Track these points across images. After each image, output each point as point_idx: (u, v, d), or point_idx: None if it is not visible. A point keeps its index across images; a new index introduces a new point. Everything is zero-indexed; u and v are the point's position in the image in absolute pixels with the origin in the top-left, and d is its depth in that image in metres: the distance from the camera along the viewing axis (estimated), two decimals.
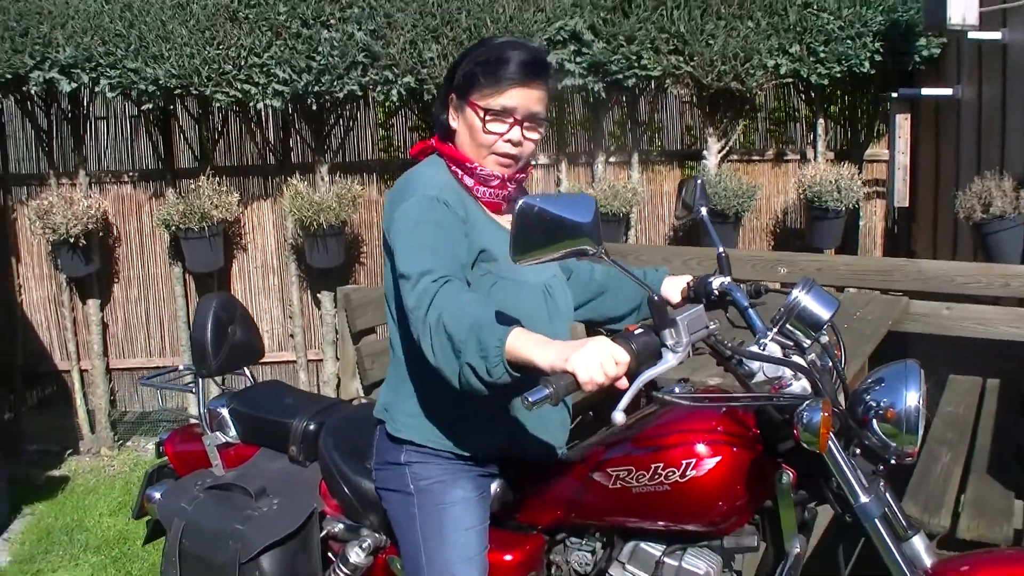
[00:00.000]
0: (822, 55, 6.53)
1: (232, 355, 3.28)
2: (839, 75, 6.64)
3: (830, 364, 2.44)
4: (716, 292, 2.57)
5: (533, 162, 6.83)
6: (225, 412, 3.25)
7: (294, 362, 7.01)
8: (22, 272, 6.99)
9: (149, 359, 7.09)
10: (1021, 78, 5.86)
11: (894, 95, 6.74)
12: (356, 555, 2.80)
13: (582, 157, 7.15)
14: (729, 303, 2.56)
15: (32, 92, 6.48)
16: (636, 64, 6.44)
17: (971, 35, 5.96)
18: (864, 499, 2.25)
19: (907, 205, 7.00)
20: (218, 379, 3.56)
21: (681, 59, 6.48)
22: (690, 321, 2.16)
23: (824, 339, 2.42)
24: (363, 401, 3.44)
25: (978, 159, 6.29)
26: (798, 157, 7.26)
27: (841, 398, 2.39)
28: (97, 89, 6.40)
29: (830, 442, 2.21)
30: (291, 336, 7.01)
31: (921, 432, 2.28)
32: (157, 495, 3.22)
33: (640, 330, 2.14)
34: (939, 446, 4.41)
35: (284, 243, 6.99)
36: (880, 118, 7.15)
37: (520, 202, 2.04)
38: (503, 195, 2.49)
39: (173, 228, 6.47)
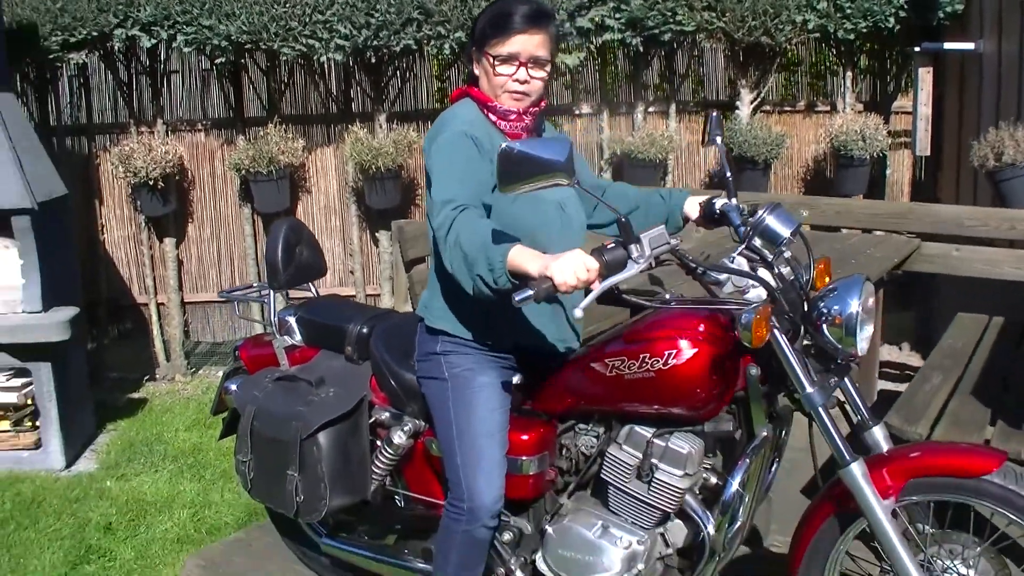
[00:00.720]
0: (848, 11, 6.85)
1: (299, 272, 3.72)
2: (865, 30, 6.94)
3: (794, 277, 2.87)
4: (718, 211, 3.02)
5: (576, 111, 7.29)
6: (292, 319, 3.70)
7: (353, 296, 7.42)
8: (104, 213, 7.48)
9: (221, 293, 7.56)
10: None
11: (917, 49, 7.00)
12: (399, 437, 3.29)
13: (623, 107, 7.52)
14: (723, 221, 3.02)
15: (115, 48, 6.95)
16: (671, 20, 6.81)
17: None
18: (809, 389, 2.69)
19: (929, 154, 7.26)
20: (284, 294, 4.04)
21: (714, 15, 6.85)
22: (652, 238, 2.64)
23: (787, 254, 2.86)
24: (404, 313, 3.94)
25: (997, 110, 6.48)
26: (828, 108, 7.58)
27: (802, 307, 2.81)
28: (174, 45, 6.88)
29: (777, 337, 2.67)
30: (351, 272, 7.46)
31: (863, 337, 2.71)
32: (233, 387, 3.70)
33: (612, 244, 2.63)
34: (932, 371, 4.68)
35: (345, 186, 7.43)
36: (907, 71, 7.41)
37: (501, 146, 2.53)
38: (521, 126, 2.97)
39: (243, 172, 6.95)
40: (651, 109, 7.48)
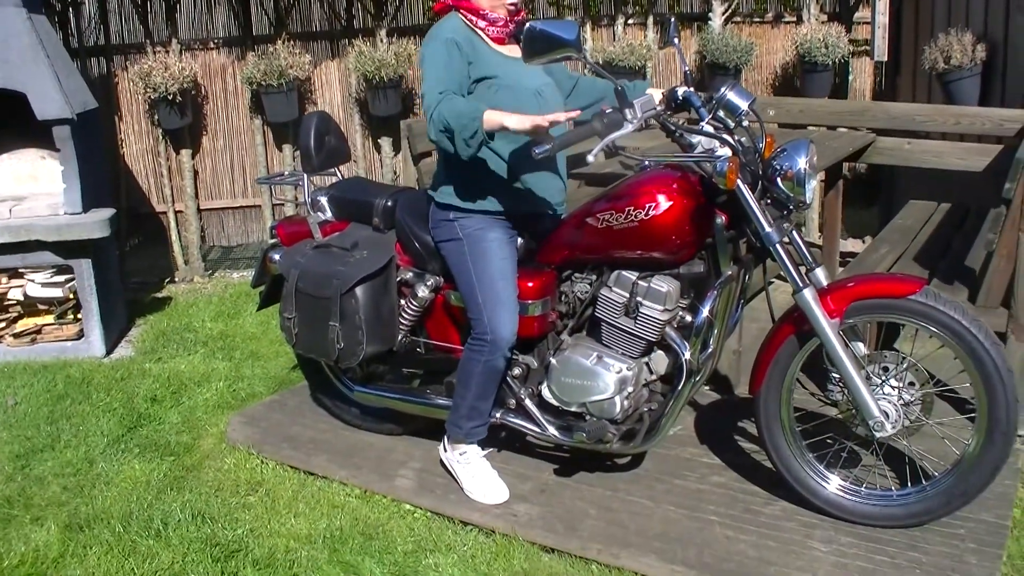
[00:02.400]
0: None
1: (328, 157, 4.22)
2: None
3: (752, 143, 3.47)
4: (680, 97, 3.56)
5: None
6: (324, 199, 4.23)
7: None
8: (123, 128, 7.88)
9: (234, 199, 8.07)
10: None
11: None
12: (422, 291, 3.89)
13: (604, 19, 8.00)
14: (688, 105, 3.56)
15: None
16: None
17: None
18: (768, 229, 3.31)
19: (887, 59, 7.72)
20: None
21: None
22: (642, 103, 3.28)
23: (746, 124, 3.45)
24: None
25: (948, 17, 6.97)
26: (795, 19, 8.06)
27: (759, 166, 3.42)
28: None
29: (740, 186, 3.27)
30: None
31: (810, 187, 3.33)
32: (277, 256, 4.17)
33: (610, 110, 3.25)
34: (881, 244, 5.24)
35: (348, 97, 7.88)
36: None
37: (527, 25, 3.13)
38: (506, 32, 3.58)
39: (255, 85, 7.40)
40: (630, 21, 7.95)
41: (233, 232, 8.20)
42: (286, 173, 4.65)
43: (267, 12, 7.89)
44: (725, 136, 3.35)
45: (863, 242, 7.80)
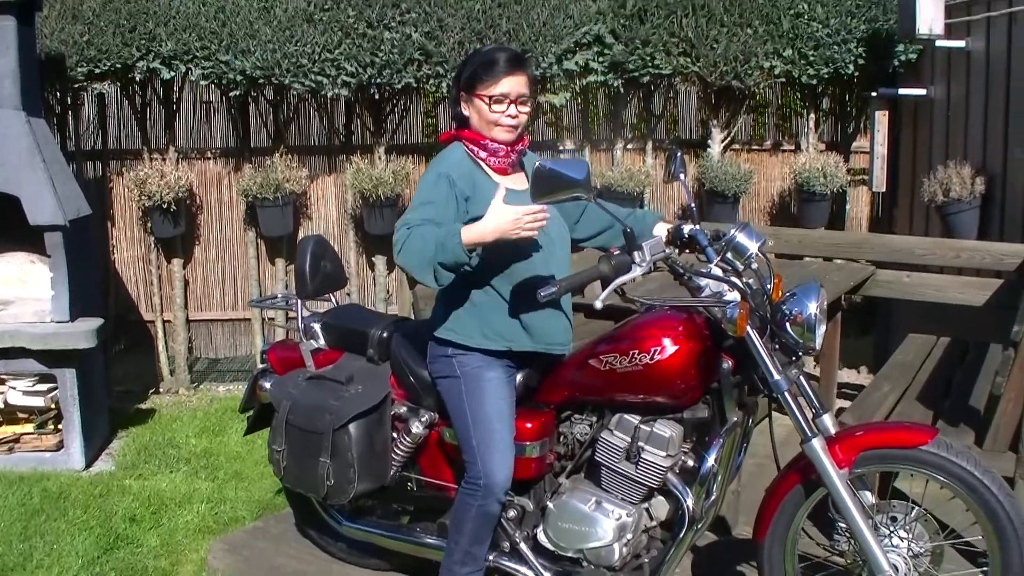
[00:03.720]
0: (811, 58, 7.37)
1: (324, 283, 4.15)
2: (827, 76, 7.47)
3: (760, 286, 3.39)
4: (686, 235, 3.48)
5: (561, 148, 7.77)
6: (317, 326, 4.11)
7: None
8: (115, 234, 7.78)
9: (224, 311, 7.92)
10: (981, 80, 6.65)
11: (874, 94, 7.50)
12: (416, 427, 3.74)
13: (603, 144, 7.99)
14: (692, 243, 3.48)
15: (135, 79, 7.32)
16: (650, 64, 7.32)
17: (939, 43, 6.75)
18: (776, 376, 3.21)
19: (884, 190, 7.75)
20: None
21: (689, 60, 7.36)
22: (651, 246, 3.21)
23: (755, 266, 3.37)
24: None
25: (946, 150, 7.01)
26: (793, 147, 8.08)
27: (767, 309, 3.34)
28: (192, 78, 7.27)
29: (749, 333, 3.18)
30: (348, 295, 7.73)
31: (819, 333, 3.25)
32: (267, 385, 4.06)
33: (618, 252, 3.18)
34: (883, 381, 5.13)
35: (344, 213, 7.80)
36: (865, 114, 7.91)
37: (536, 163, 3.07)
38: (508, 162, 3.49)
39: (250, 197, 7.33)
40: (629, 146, 7.93)
41: (221, 344, 8.06)
42: (279, 296, 4.57)
43: (266, 124, 7.86)
44: (734, 280, 3.27)
45: (858, 372, 7.73)
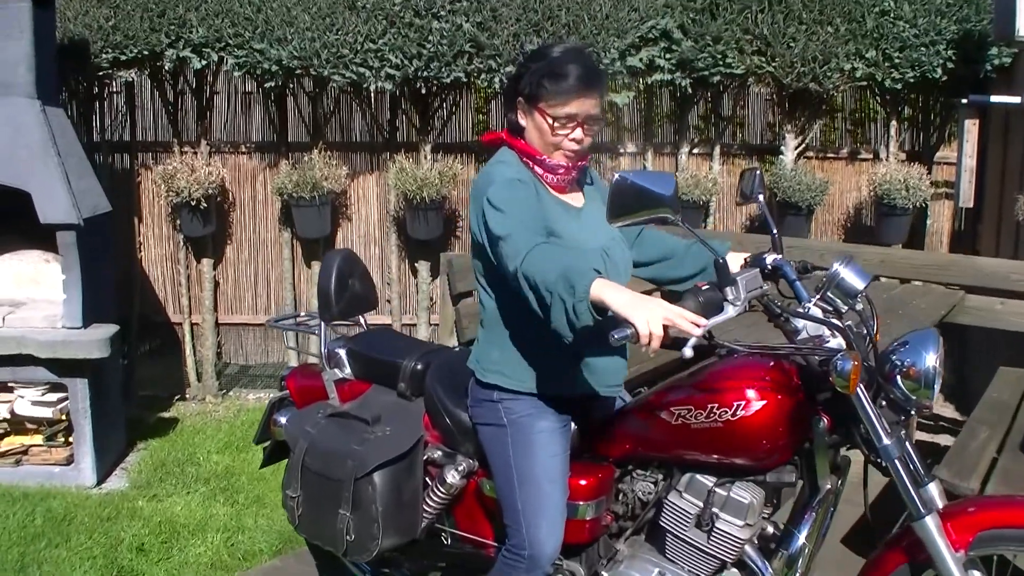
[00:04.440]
0: (897, 60, 6.85)
1: (351, 304, 3.68)
2: (912, 80, 6.94)
3: (864, 330, 2.88)
4: (769, 266, 2.96)
5: (620, 149, 7.31)
6: (343, 352, 3.65)
7: (389, 325, 7.35)
8: (143, 231, 7.52)
9: (255, 316, 7.60)
10: None
11: (964, 101, 6.98)
12: (452, 477, 3.23)
13: (667, 147, 7.53)
14: (780, 276, 2.98)
15: (164, 68, 7.02)
16: (721, 63, 6.85)
17: None
18: (886, 441, 2.68)
19: (972, 206, 7.22)
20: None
21: (763, 59, 6.88)
22: (747, 281, 2.67)
23: (859, 307, 2.86)
24: (460, 348, 3.91)
25: None
26: (871, 156, 7.58)
27: (872, 358, 2.82)
28: (225, 68, 6.95)
29: (858, 390, 2.65)
30: (388, 301, 7.44)
31: (937, 388, 2.73)
32: (283, 420, 3.64)
33: (707, 286, 2.64)
34: (979, 425, 4.65)
35: (386, 215, 7.43)
36: (951, 122, 7.41)
37: (616, 175, 2.54)
38: (568, 180, 2.98)
39: (286, 196, 6.97)
40: (695, 151, 7.48)
41: (252, 350, 7.75)
42: (302, 315, 4.11)
43: (304, 118, 7.49)
44: (839, 323, 2.75)
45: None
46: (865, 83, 7.14)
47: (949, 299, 5.59)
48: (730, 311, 2.63)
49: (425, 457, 3.35)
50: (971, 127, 6.99)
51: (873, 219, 7.40)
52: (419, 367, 3.44)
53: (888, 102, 7.39)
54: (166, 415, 6.98)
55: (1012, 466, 4.21)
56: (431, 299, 7.37)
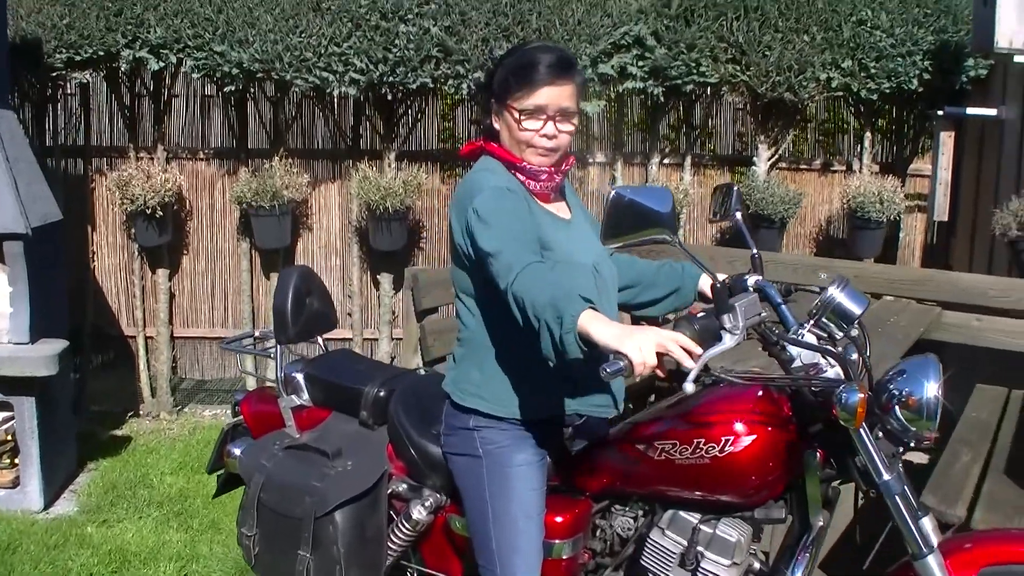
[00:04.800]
0: (873, 71, 6.73)
1: (309, 324, 3.47)
2: (888, 91, 6.84)
3: (856, 356, 2.70)
4: (751, 289, 2.77)
5: (588, 159, 7.15)
6: (300, 377, 3.44)
7: (350, 340, 7.23)
8: (96, 240, 7.26)
9: (212, 329, 7.37)
10: None
11: (940, 113, 6.90)
12: (419, 513, 3.03)
13: (637, 157, 7.36)
14: (762, 300, 2.80)
15: (120, 69, 6.78)
16: (695, 71, 6.69)
17: (1017, 59, 6.09)
18: (887, 476, 2.53)
19: (947, 219, 7.14)
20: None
21: (738, 68, 6.73)
22: (746, 307, 2.48)
23: (854, 332, 2.69)
24: (426, 371, 3.71)
25: (1018, 178, 6.38)
26: (844, 168, 7.47)
27: (866, 386, 2.64)
28: (184, 70, 6.73)
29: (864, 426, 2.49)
30: (349, 315, 7.24)
31: (938, 419, 2.56)
32: (237, 451, 3.44)
33: (702, 313, 2.46)
34: (961, 446, 4.55)
35: (348, 225, 7.23)
36: (926, 134, 7.34)
37: (612, 191, 2.36)
38: (552, 186, 2.76)
39: (245, 205, 6.75)
40: (666, 161, 7.33)
41: (208, 365, 7.51)
42: (256, 335, 3.89)
43: (265, 124, 7.28)
44: (834, 350, 2.60)
45: None
46: (841, 93, 7.02)
47: (926, 315, 5.49)
48: (728, 341, 2.44)
49: (389, 491, 3.16)
50: (947, 139, 6.92)
51: (846, 231, 7.29)
52: (382, 394, 3.25)
53: (863, 113, 7.28)
54: (119, 432, 6.73)
55: (998, 491, 4.12)
56: (393, 312, 7.19)
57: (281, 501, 3.15)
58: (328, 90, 6.64)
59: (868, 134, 7.28)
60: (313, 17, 6.50)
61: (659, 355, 2.24)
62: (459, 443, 2.86)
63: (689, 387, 2.30)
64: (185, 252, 7.33)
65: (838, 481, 2.79)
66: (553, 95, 2.64)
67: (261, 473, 3.23)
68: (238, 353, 4.10)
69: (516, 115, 2.64)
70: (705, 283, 2.91)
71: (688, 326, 2.41)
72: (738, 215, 2.94)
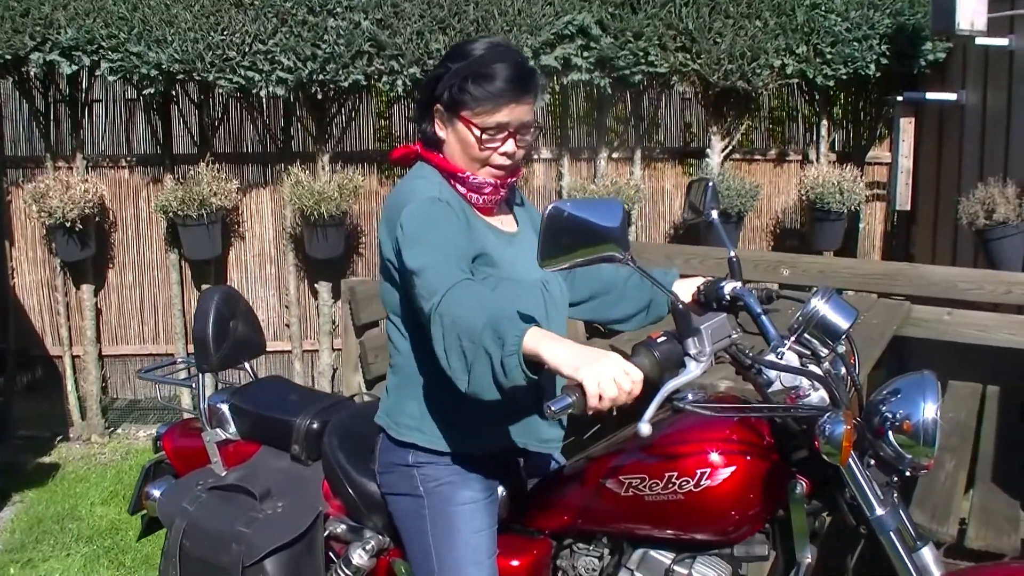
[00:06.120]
0: (828, 56, 6.52)
1: (233, 350, 3.21)
2: (844, 77, 6.64)
3: (844, 372, 2.43)
4: (728, 297, 2.54)
5: (535, 156, 6.87)
6: (225, 408, 3.18)
7: (289, 352, 6.97)
8: (15, 255, 6.91)
9: (142, 346, 7.05)
10: None
11: (899, 99, 6.75)
12: (359, 557, 2.78)
13: (584, 152, 7.12)
14: (740, 308, 2.53)
15: (31, 74, 6.42)
16: (643, 60, 6.42)
17: (978, 41, 5.94)
18: (880, 511, 2.26)
19: (908, 208, 7.01)
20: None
21: (688, 56, 6.48)
22: (714, 330, 2.17)
23: (840, 348, 2.41)
24: (366, 398, 3.41)
25: (981, 165, 6.29)
26: (800, 158, 7.27)
27: (856, 408, 2.37)
28: (98, 73, 6.35)
29: (853, 458, 2.21)
30: (287, 326, 6.96)
31: (937, 444, 2.27)
32: (156, 493, 3.18)
33: (663, 338, 2.14)
34: (943, 452, 4.35)
35: (282, 232, 6.95)
36: (883, 121, 7.17)
37: (550, 207, 2.04)
38: (496, 199, 2.52)
39: (171, 214, 6.41)
40: (615, 155, 7.07)
41: (140, 383, 7.12)
42: (178, 361, 3.57)
43: (190, 128, 6.95)
44: (818, 372, 2.31)
45: None
46: (795, 80, 6.80)
47: (897, 311, 5.33)
48: (694, 369, 2.14)
49: (327, 532, 2.90)
50: (907, 126, 6.83)
51: (805, 223, 7.10)
52: (315, 426, 2.99)
53: (817, 100, 7.08)
54: (46, 460, 6.41)
55: (989, 504, 4.03)
56: (333, 323, 6.89)
57: (206, 549, 2.88)
58: (254, 90, 6.32)
59: (824, 122, 7.09)
60: (235, 14, 6.16)
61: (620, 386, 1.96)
62: (398, 481, 2.59)
63: (645, 428, 2.00)
64: (110, 266, 7.00)
65: (825, 513, 2.51)
66: (515, 112, 2.40)
67: (183, 518, 2.96)
68: (156, 383, 3.75)
69: (477, 133, 2.38)
70: (682, 290, 2.65)
71: (648, 352, 2.09)
72: (714, 213, 2.69)
